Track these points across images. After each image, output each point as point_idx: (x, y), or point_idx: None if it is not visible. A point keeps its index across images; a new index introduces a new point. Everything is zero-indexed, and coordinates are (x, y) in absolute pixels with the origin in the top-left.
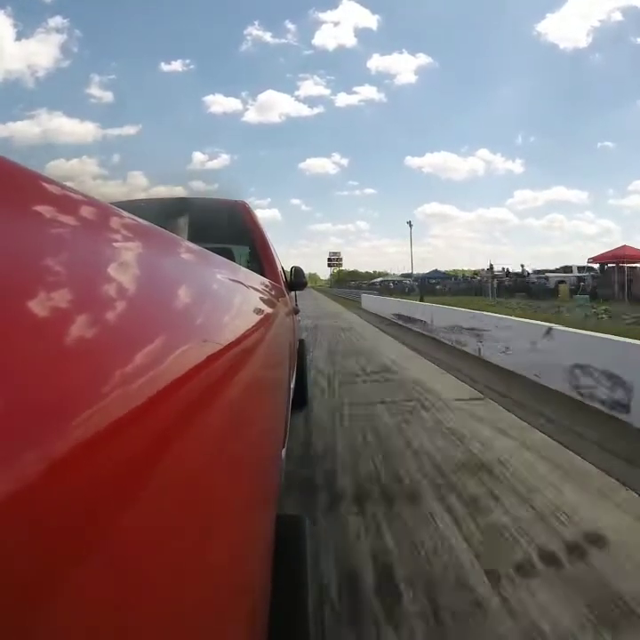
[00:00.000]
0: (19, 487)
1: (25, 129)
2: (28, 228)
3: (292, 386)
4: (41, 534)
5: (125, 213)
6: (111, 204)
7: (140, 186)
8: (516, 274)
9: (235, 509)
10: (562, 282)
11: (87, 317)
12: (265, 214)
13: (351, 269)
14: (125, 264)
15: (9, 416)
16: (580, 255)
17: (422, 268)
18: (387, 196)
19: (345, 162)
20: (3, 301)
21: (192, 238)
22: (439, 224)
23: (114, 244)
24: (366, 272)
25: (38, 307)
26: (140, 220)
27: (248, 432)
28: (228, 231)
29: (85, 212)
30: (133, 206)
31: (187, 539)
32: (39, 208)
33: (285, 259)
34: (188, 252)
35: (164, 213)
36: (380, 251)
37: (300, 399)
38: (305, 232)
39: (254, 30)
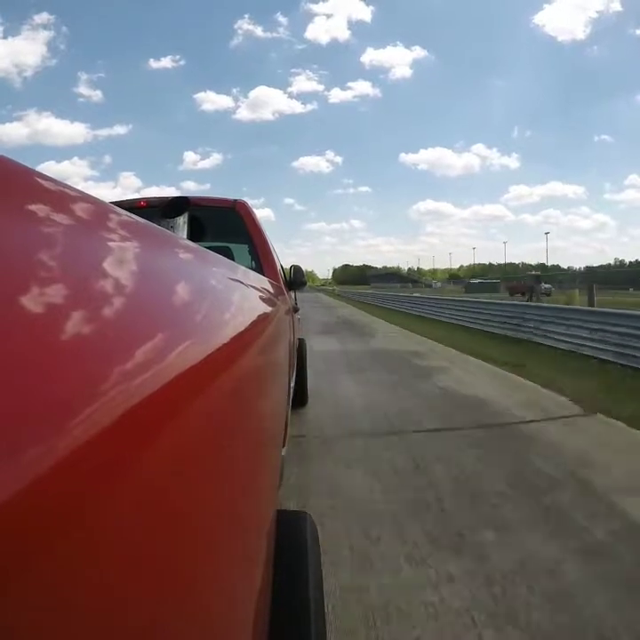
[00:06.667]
0: (17, 486)
1: (12, 131)
2: (26, 226)
3: (292, 385)
4: (41, 532)
5: (123, 211)
6: (109, 203)
7: (132, 187)
8: None
9: (234, 507)
10: None
11: (84, 316)
12: (259, 214)
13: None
14: (123, 263)
15: (8, 415)
16: (573, 252)
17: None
18: (381, 194)
19: (339, 160)
20: (1, 299)
21: (192, 237)
22: (434, 222)
23: (112, 242)
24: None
25: (37, 304)
26: (138, 219)
27: (247, 431)
28: (228, 230)
29: (83, 209)
30: (131, 205)
31: (186, 535)
32: (37, 206)
33: (281, 258)
34: (187, 250)
35: (163, 212)
36: (375, 249)
37: (300, 398)
38: (299, 231)
39: (245, 24)
